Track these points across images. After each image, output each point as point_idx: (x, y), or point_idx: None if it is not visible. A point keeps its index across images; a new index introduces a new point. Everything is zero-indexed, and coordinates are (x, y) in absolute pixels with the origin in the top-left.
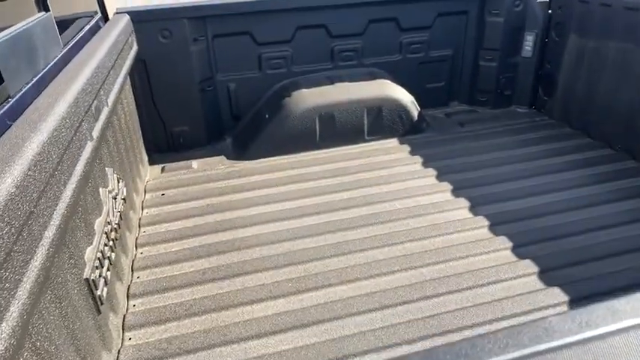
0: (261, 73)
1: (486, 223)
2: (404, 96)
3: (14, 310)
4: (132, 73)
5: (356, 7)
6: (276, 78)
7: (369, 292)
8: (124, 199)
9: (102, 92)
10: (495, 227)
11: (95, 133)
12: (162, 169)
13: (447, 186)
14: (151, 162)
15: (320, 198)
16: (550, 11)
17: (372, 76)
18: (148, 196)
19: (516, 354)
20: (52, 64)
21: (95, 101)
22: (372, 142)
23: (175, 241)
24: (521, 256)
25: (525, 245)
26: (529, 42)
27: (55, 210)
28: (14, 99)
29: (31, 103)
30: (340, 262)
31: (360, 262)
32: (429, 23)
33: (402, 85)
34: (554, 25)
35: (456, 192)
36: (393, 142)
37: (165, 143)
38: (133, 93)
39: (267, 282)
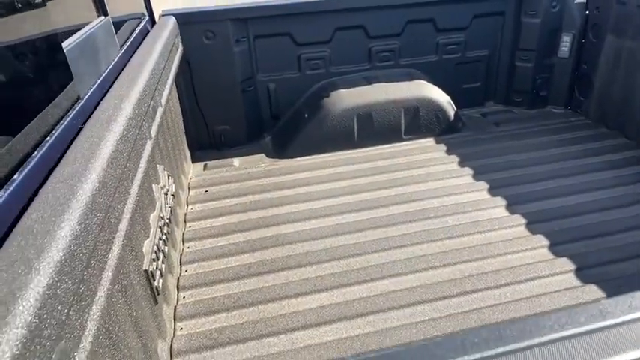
0: (300, 74)
1: (523, 221)
2: (440, 96)
3: (101, 294)
4: (177, 73)
5: (394, 9)
6: (315, 78)
7: (410, 287)
8: (173, 195)
9: (157, 93)
10: (532, 225)
11: (153, 132)
12: (205, 167)
13: (483, 185)
14: (194, 160)
15: (359, 196)
16: (587, 12)
17: (410, 77)
18: (192, 192)
19: (573, 331)
20: (111, 66)
21: (152, 102)
22: (409, 142)
23: (220, 236)
24: (558, 254)
25: (562, 243)
26: (566, 43)
27: (125, 204)
28: (84, 100)
29: (98, 103)
30: (381, 258)
31: (400, 257)
32: (465, 24)
33: (439, 85)
34: (591, 26)
35: (493, 191)
36: (429, 142)
37: (208, 142)
38: (177, 93)
39: (311, 276)
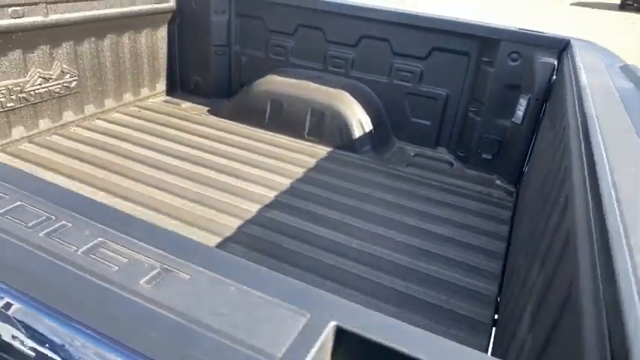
0: (266, 55)
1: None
2: (352, 113)
3: None
4: (172, 23)
5: (350, 19)
6: (277, 63)
7: None
8: (68, 86)
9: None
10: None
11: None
12: (165, 101)
13: (288, 198)
14: (171, 94)
15: (183, 163)
16: (555, 77)
17: (340, 87)
18: (132, 107)
19: None
20: None
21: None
22: (310, 143)
23: (102, 135)
24: None
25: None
26: (522, 106)
27: None
28: None
29: None
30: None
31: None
32: (422, 54)
33: (386, 109)
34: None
35: (291, 200)
36: (323, 149)
37: (187, 86)
38: (170, 38)
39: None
